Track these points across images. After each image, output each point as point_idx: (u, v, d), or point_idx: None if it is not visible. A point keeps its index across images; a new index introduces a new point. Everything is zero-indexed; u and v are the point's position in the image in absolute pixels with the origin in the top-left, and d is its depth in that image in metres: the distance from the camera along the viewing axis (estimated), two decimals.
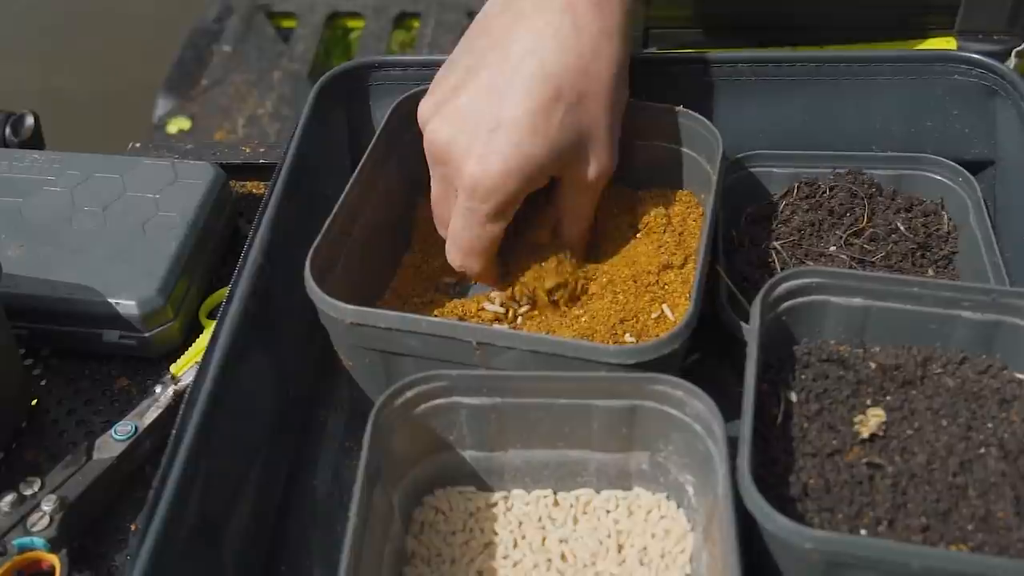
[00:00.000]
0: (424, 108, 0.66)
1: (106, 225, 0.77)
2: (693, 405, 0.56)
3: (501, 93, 0.63)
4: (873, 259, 0.73)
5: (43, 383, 0.74)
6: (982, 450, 0.58)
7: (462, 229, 0.66)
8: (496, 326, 0.60)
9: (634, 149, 0.76)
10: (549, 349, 0.59)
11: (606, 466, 0.61)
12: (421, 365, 0.62)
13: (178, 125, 1.59)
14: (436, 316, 0.71)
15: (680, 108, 0.73)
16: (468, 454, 0.61)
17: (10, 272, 0.73)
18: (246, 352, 0.61)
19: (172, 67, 1.73)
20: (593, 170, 0.67)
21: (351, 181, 0.69)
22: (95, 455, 0.65)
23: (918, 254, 0.73)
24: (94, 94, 2.09)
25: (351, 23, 1.87)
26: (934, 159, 0.76)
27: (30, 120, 0.98)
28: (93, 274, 0.73)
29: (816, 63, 0.75)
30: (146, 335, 0.72)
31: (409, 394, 0.57)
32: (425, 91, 0.74)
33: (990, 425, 0.59)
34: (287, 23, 1.85)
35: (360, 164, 0.70)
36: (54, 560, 0.60)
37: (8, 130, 0.97)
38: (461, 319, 0.71)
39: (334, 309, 0.61)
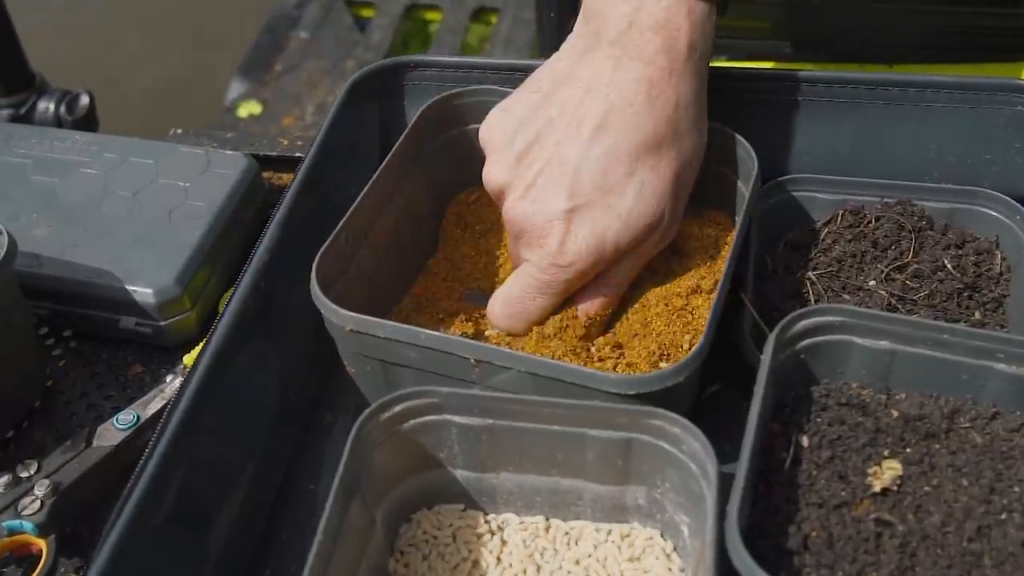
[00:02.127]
0: (494, 174, 0.65)
1: (134, 211, 0.77)
2: (689, 443, 0.53)
3: (575, 169, 0.61)
4: (915, 297, 0.68)
5: (61, 364, 0.74)
6: (1004, 516, 0.53)
7: (520, 296, 0.65)
8: (493, 345, 0.58)
9: None
10: (547, 372, 0.56)
11: (601, 498, 0.58)
12: (421, 378, 0.61)
13: (248, 109, 1.60)
14: (450, 327, 0.69)
15: (719, 126, 0.70)
16: (459, 474, 0.59)
17: (36, 252, 0.74)
18: (243, 348, 0.60)
19: (249, 51, 1.75)
20: (656, 241, 0.65)
21: (370, 183, 0.67)
22: (95, 442, 0.65)
23: (965, 295, 0.69)
24: (175, 76, 2.13)
25: (429, 15, 1.86)
26: (991, 194, 0.71)
27: (85, 99, 0.99)
28: (115, 259, 0.73)
29: (869, 85, 0.71)
30: (161, 324, 0.72)
31: (397, 408, 0.55)
32: (456, 94, 0.73)
33: (1016, 489, 0.55)
34: (366, 12, 1.85)
35: (382, 166, 0.68)
36: (42, 544, 0.60)
37: (63, 108, 0.98)
38: (477, 333, 0.70)
39: (335, 315, 0.60)
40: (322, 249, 0.62)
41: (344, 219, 0.64)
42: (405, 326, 0.59)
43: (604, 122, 0.61)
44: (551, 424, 0.55)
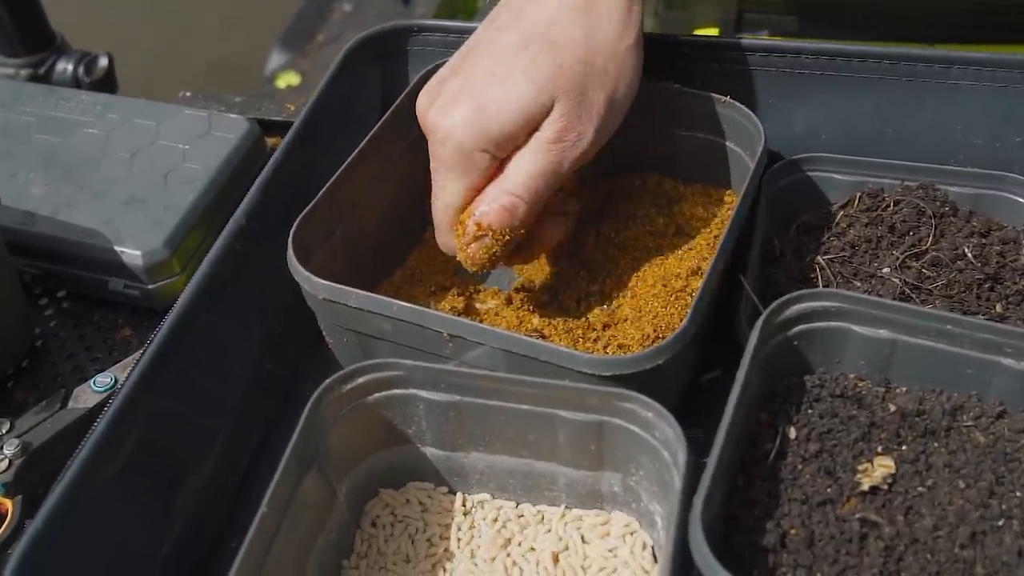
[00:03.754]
0: (419, 101, 0.62)
1: (131, 171, 0.75)
2: (662, 429, 0.50)
3: (474, 63, 0.59)
4: (931, 287, 0.64)
5: (52, 324, 0.74)
6: (1001, 522, 0.50)
7: (434, 198, 0.61)
8: (468, 320, 0.56)
9: (676, 139, 0.70)
10: (521, 350, 0.54)
11: (576, 483, 0.55)
12: (397, 351, 0.58)
13: (287, 80, 1.58)
14: (441, 301, 0.67)
15: (726, 99, 0.66)
16: (429, 451, 0.56)
17: (31, 210, 0.73)
18: (212, 310, 0.58)
19: (291, 22, 1.73)
20: (556, 141, 0.58)
21: (358, 150, 0.65)
22: (71, 404, 0.64)
23: (986, 286, 0.64)
24: (223, 48, 2.12)
25: None
26: (1020, 179, 0.66)
27: (103, 61, 0.98)
28: (107, 220, 0.72)
29: (892, 60, 0.67)
30: (150, 286, 0.71)
31: (360, 380, 0.53)
32: None
33: (1018, 494, 0.51)
34: None
35: (371, 133, 0.66)
36: (8, 505, 0.59)
37: (81, 69, 0.97)
38: (468, 308, 0.67)
39: (308, 282, 0.58)
40: (301, 215, 0.60)
41: (327, 186, 0.62)
42: (377, 296, 0.56)
43: (514, 27, 0.59)
44: (520, 403, 0.53)
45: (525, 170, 0.58)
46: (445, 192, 0.59)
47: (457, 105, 0.58)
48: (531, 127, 0.57)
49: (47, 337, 0.73)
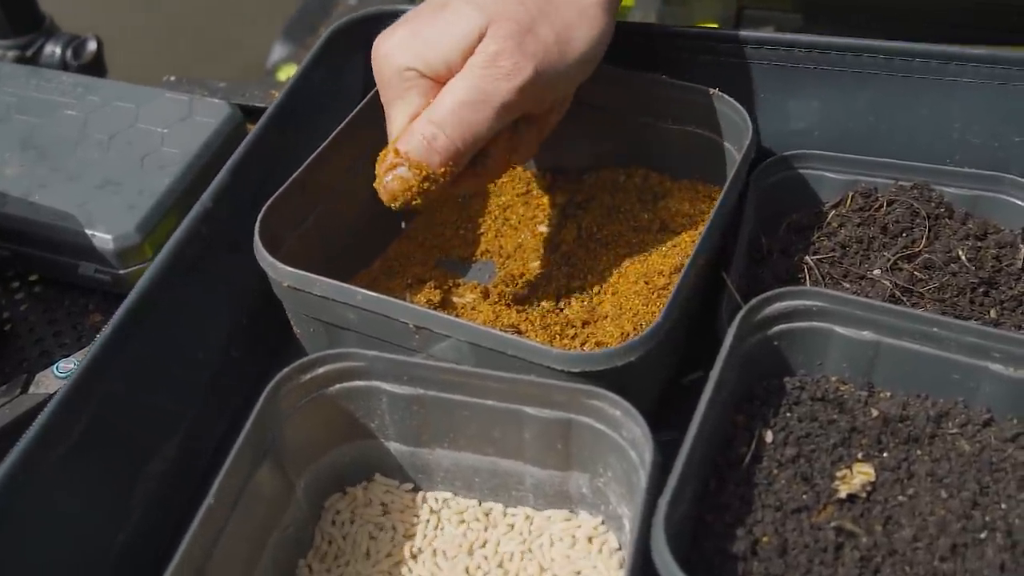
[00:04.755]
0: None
1: (107, 154, 0.74)
2: (630, 428, 0.48)
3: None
4: (922, 290, 0.62)
5: (22, 308, 0.72)
6: (983, 534, 0.47)
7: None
8: (435, 311, 0.54)
9: (663, 132, 0.68)
10: (488, 343, 0.52)
11: (543, 483, 0.53)
12: (363, 342, 0.57)
13: (288, 72, 1.56)
14: (417, 294, 0.65)
15: (715, 91, 0.64)
16: (392, 446, 0.54)
17: (3, 191, 0.71)
18: (173, 294, 0.57)
19: (295, 15, 1.72)
20: (488, 53, 0.54)
21: (331, 137, 0.63)
22: (31, 389, 0.62)
23: (980, 291, 0.62)
24: (223, 36, 2.11)
25: None
26: (1018, 181, 0.64)
27: (92, 45, 0.97)
28: (80, 203, 0.70)
29: (888, 55, 0.64)
30: (120, 272, 0.69)
31: (321, 370, 0.51)
32: None
33: (1003, 506, 0.48)
34: None
35: (348, 119, 0.64)
36: None
37: (69, 52, 0.96)
38: (445, 301, 0.65)
39: (272, 269, 0.56)
40: (270, 201, 0.59)
41: (298, 172, 0.61)
42: (342, 284, 0.55)
43: None
44: (485, 398, 0.51)
45: (450, 97, 0.55)
46: (390, 121, 0.58)
47: (397, 29, 0.57)
48: (467, 52, 0.55)
49: (16, 321, 0.71)
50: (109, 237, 0.68)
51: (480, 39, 0.55)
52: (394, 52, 0.56)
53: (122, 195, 0.71)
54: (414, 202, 0.57)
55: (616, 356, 0.50)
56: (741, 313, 0.51)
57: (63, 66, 0.96)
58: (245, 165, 0.61)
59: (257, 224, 0.57)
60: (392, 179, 0.56)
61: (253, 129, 0.63)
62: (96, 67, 0.97)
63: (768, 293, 0.52)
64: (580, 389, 0.49)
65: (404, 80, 0.56)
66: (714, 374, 0.49)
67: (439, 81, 0.56)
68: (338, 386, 0.52)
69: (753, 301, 0.52)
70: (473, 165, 0.59)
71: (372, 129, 0.66)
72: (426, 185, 0.56)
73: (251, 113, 0.81)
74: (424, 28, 0.56)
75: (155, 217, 0.70)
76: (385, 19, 0.72)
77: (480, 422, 0.52)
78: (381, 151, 0.58)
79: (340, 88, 0.71)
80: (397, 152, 0.56)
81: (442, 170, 0.55)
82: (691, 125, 0.67)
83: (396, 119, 0.57)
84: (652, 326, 0.51)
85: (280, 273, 0.56)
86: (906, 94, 0.65)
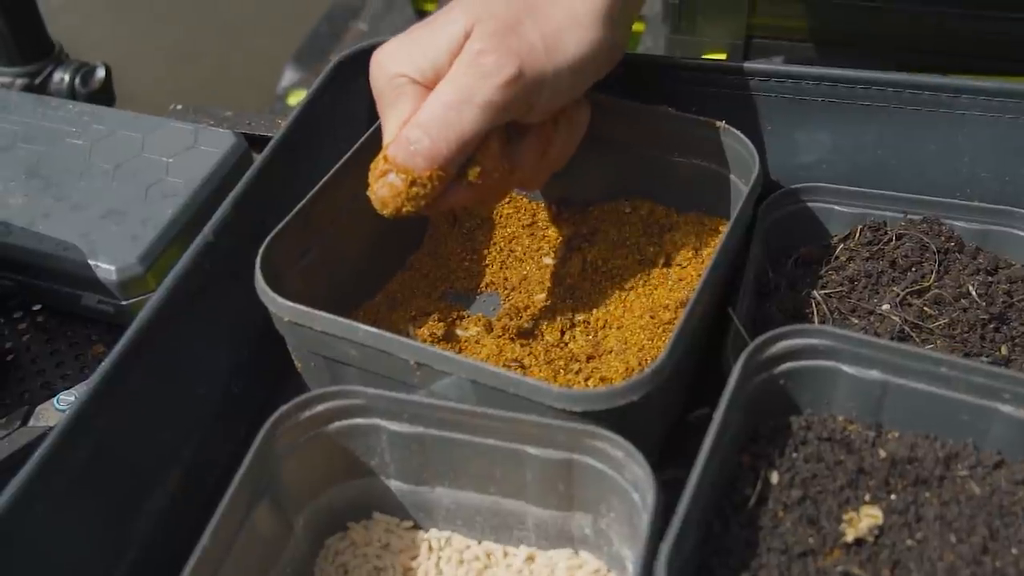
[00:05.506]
0: None
1: (112, 184, 0.74)
2: (632, 470, 0.47)
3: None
4: (932, 326, 0.61)
5: (25, 338, 0.72)
6: None
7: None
8: (436, 348, 0.53)
9: (669, 165, 0.67)
10: (488, 381, 0.51)
11: (545, 523, 0.52)
12: (364, 377, 0.56)
13: (298, 97, 1.57)
14: (420, 328, 0.64)
15: (722, 124, 0.64)
16: (393, 484, 0.54)
17: (7, 220, 0.71)
18: (175, 328, 0.56)
19: (306, 39, 1.72)
20: (471, 52, 0.54)
21: (336, 167, 0.63)
22: (32, 422, 0.62)
23: (991, 327, 0.61)
24: (234, 62, 2.12)
25: None
26: None
27: (101, 72, 0.97)
28: (84, 234, 0.70)
29: (897, 88, 0.64)
30: (123, 303, 0.69)
31: (320, 408, 0.51)
32: None
33: (1014, 551, 0.47)
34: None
35: (352, 151, 0.64)
36: None
37: (78, 80, 0.96)
38: (449, 335, 0.65)
39: (273, 304, 0.56)
40: (272, 234, 0.58)
41: (301, 204, 0.60)
42: (343, 320, 0.54)
43: None
44: (486, 438, 0.50)
45: (435, 100, 0.54)
46: (384, 129, 0.57)
47: (392, 39, 0.57)
48: (454, 53, 0.55)
49: (19, 351, 0.71)
50: (112, 268, 0.68)
51: (466, 40, 0.54)
52: (385, 60, 0.56)
53: (126, 225, 0.70)
54: (404, 209, 0.55)
55: (618, 395, 0.49)
56: (746, 352, 0.51)
57: (72, 93, 0.96)
58: (248, 197, 0.61)
59: (258, 258, 0.57)
60: (382, 186, 0.55)
61: (257, 160, 0.63)
62: (105, 94, 0.97)
63: (774, 331, 0.52)
64: (582, 429, 0.48)
65: (395, 87, 0.56)
66: (719, 415, 0.48)
67: (428, 86, 0.56)
68: (338, 424, 0.51)
69: (759, 340, 0.51)
70: (465, 175, 0.58)
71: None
72: (415, 191, 0.55)
73: (256, 142, 0.81)
74: (415, 34, 0.56)
75: (158, 248, 0.69)
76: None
77: (481, 461, 0.51)
78: (374, 159, 0.57)
79: (346, 117, 0.71)
80: (386, 159, 0.55)
81: (428, 174, 0.54)
82: (698, 158, 0.66)
83: (388, 126, 0.57)
84: (655, 364, 0.50)
85: (281, 308, 0.55)
86: (915, 127, 0.65)
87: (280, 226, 0.59)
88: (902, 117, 0.65)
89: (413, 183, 0.55)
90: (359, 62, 0.71)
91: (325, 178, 0.62)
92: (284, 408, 0.50)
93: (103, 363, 0.53)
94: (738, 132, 0.63)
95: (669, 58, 0.68)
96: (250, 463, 0.48)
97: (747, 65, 0.66)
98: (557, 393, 0.49)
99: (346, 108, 0.71)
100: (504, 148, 0.58)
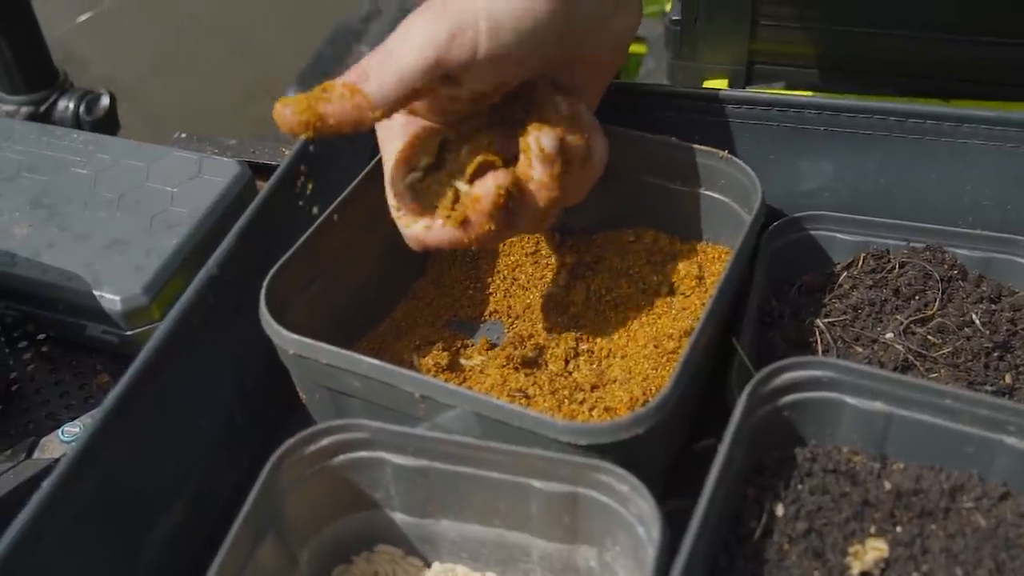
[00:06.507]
0: None
1: (116, 214, 0.74)
2: (638, 504, 0.47)
3: None
4: (936, 354, 0.61)
5: (29, 368, 0.72)
6: None
7: None
8: (440, 380, 0.53)
9: (672, 194, 0.68)
10: (493, 414, 0.51)
11: (550, 556, 0.52)
12: (369, 409, 0.56)
13: None
14: (424, 357, 0.64)
15: (725, 154, 0.64)
16: (397, 517, 0.54)
17: (12, 251, 0.72)
18: (180, 362, 0.56)
19: (309, 63, 1.73)
20: (460, 57, 0.53)
21: (341, 199, 0.63)
22: (36, 454, 0.62)
23: (995, 355, 0.61)
24: (238, 87, 2.13)
25: None
26: None
27: (105, 100, 0.98)
28: (88, 264, 0.70)
29: (899, 117, 0.64)
30: (127, 333, 0.69)
31: (324, 442, 0.51)
32: None
33: None
34: None
35: (356, 182, 0.64)
36: None
37: (82, 108, 0.97)
38: (453, 363, 0.65)
39: (278, 336, 0.56)
40: (276, 266, 0.58)
41: (305, 236, 0.60)
42: (347, 353, 0.54)
43: None
44: (491, 471, 0.50)
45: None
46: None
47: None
48: None
49: (24, 381, 0.71)
50: (117, 298, 0.68)
51: None
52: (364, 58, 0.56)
53: (130, 255, 0.71)
54: (300, 116, 0.52)
55: (623, 428, 0.49)
56: (751, 384, 0.51)
57: (76, 121, 0.96)
58: (252, 229, 0.61)
59: (263, 291, 0.57)
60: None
61: (261, 192, 0.63)
62: (110, 122, 0.97)
63: (778, 363, 0.52)
64: (586, 463, 0.48)
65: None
66: (724, 449, 0.48)
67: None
68: (342, 457, 0.51)
69: (762, 372, 0.51)
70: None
71: (380, 190, 0.66)
72: (320, 96, 0.52)
73: (260, 170, 0.81)
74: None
75: (162, 278, 0.69)
76: None
77: (486, 494, 0.51)
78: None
79: (349, 148, 0.71)
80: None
81: (343, 85, 0.53)
82: (700, 187, 0.66)
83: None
84: (659, 398, 0.50)
85: (286, 341, 0.55)
86: (917, 156, 0.65)
87: (285, 258, 0.59)
88: (904, 146, 0.65)
89: (324, 90, 0.53)
90: None
91: (329, 209, 0.62)
92: (289, 443, 0.50)
93: (109, 395, 0.53)
94: (740, 161, 0.63)
95: (672, 87, 0.68)
96: (255, 499, 0.48)
97: (749, 94, 0.67)
98: (562, 426, 0.49)
99: (350, 138, 0.72)
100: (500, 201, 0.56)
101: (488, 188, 0.55)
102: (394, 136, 0.59)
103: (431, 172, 0.58)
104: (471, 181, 0.56)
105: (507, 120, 0.58)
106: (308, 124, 0.52)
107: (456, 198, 0.57)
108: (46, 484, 0.49)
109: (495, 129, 0.58)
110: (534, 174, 0.56)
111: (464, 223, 0.56)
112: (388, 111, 0.54)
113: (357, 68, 0.55)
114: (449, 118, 0.59)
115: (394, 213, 0.59)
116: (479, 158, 0.56)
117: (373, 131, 0.71)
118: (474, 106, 0.58)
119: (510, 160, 0.57)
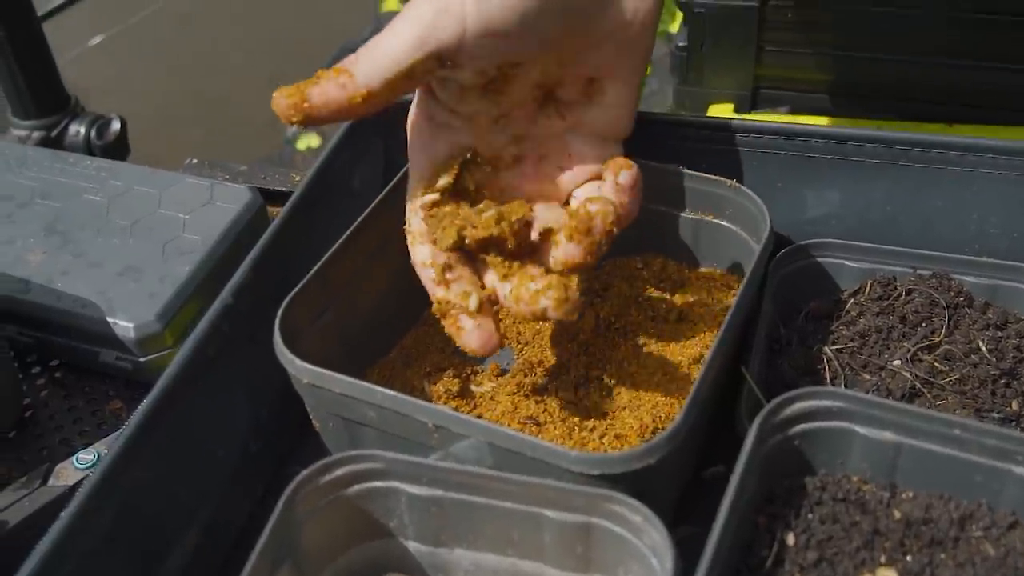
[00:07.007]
0: None
1: (129, 241, 0.75)
2: (650, 535, 0.48)
3: None
4: (943, 382, 0.62)
5: (43, 394, 0.72)
6: None
7: None
8: (453, 410, 0.54)
9: (681, 222, 0.68)
10: (506, 444, 0.52)
11: None
12: (382, 438, 0.57)
13: (307, 142, 1.59)
14: (435, 384, 0.65)
15: (733, 182, 0.65)
16: (411, 546, 0.54)
17: (26, 277, 0.72)
18: (195, 391, 0.57)
19: None
20: (449, 40, 0.52)
21: (353, 227, 0.64)
22: (51, 481, 0.62)
23: (1002, 382, 0.62)
24: (244, 110, 2.14)
25: None
26: None
27: (116, 125, 0.99)
28: (101, 290, 0.71)
29: (905, 146, 0.65)
30: (141, 359, 0.70)
31: (339, 472, 0.51)
32: None
33: None
34: None
35: (368, 210, 0.65)
36: None
37: (93, 132, 0.98)
38: (463, 391, 0.65)
39: (292, 366, 0.56)
40: (290, 296, 0.59)
41: (318, 265, 0.61)
42: (361, 383, 0.55)
43: None
44: (504, 501, 0.50)
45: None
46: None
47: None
48: None
49: (37, 407, 0.71)
50: (130, 325, 0.69)
51: None
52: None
53: (143, 282, 0.71)
54: (291, 99, 0.53)
55: (635, 459, 0.50)
56: (761, 415, 0.51)
57: (87, 146, 0.97)
58: (265, 258, 0.62)
59: (277, 321, 0.58)
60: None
61: (274, 221, 0.64)
62: (120, 146, 0.98)
63: (788, 394, 0.52)
64: (599, 494, 0.48)
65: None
66: (735, 479, 0.49)
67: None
68: (357, 487, 0.52)
69: (772, 403, 0.52)
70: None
71: (392, 216, 0.67)
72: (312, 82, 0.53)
73: (271, 196, 0.82)
74: None
75: (176, 305, 0.70)
76: (406, 103, 0.73)
77: (499, 524, 0.51)
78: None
79: (361, 175, 0.72)
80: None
81: (335, 71, 0.53)
82: (708, 215, 0.67)
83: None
84: (671, 428, 0.51)
85: (300, 371, 0.56)
86: (924, 184, 0.65)
87: (297, 289, 0.59)
88: (910, 174, 0.65)
89: (316, 76, 0.53)
90: (375, 120, 0.72)
91: (342, 239, 0.63)
92: (304, 473, 0.50)
93: (127, 423, 0.54)
94: (747, 190, 0.64)
95: (679, 116, 0.69)
96: (272, 529, 0.48)
97: (756, 123, 0.67)
98: (574, 456, 0.50)
99: (362, 165, 0.73)
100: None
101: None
102: (423, 146, 0.59)
103: (447, 199, 0.59)
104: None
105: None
106: (296, 106, 0.53)
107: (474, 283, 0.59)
108: (65, 513, 0.50)
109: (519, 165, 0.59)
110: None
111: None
112: (377, 95, 0.53)
113: (350, 55, 0.55)
114: (478, 131, 0.59)
115: (406, 227, 0.60)
116: (511, 215, 0.57)
117: (384, 152, 0.72)
118: (488, 103, 0.57)
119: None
